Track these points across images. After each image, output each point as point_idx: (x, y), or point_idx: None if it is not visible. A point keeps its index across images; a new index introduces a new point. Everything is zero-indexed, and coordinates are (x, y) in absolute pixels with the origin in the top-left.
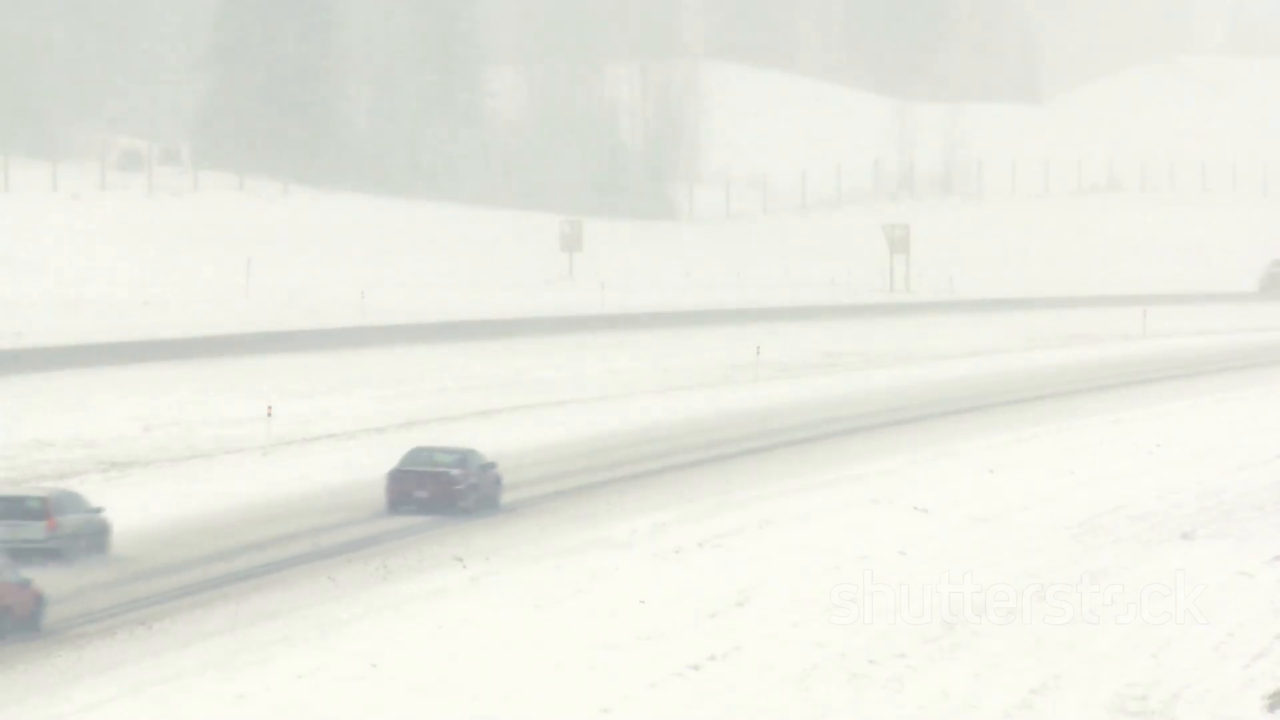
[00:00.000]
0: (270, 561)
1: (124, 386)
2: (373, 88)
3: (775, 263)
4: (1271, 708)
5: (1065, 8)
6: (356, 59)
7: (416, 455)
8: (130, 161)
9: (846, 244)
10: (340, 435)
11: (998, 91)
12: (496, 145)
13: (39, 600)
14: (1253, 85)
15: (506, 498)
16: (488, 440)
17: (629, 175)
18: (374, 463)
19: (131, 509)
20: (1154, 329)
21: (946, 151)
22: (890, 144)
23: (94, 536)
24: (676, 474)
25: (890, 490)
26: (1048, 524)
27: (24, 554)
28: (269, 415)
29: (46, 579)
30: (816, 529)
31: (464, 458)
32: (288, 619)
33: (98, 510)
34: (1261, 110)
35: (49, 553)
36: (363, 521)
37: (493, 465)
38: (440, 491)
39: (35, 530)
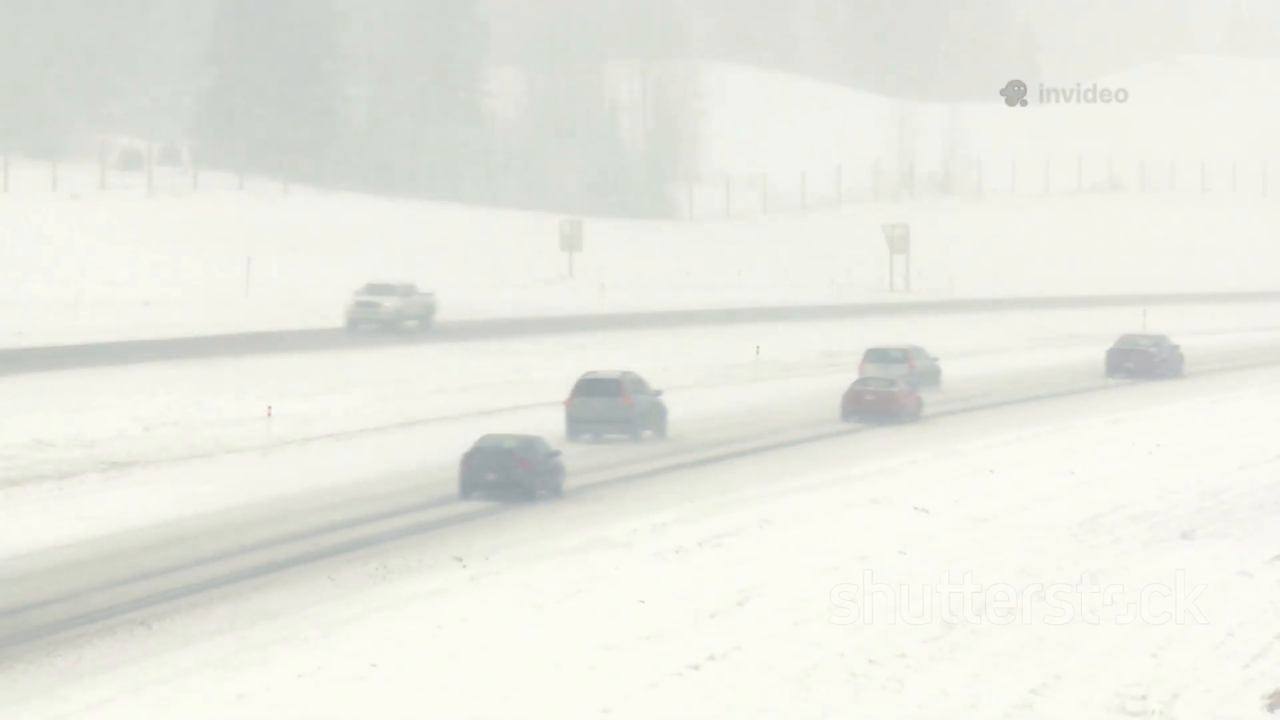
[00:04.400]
0: (270, 561)
1: (124, 386)
2: (373, 88)
3: (775, 263)
4: (1271, 708)
5: (1065, 7)
6: (356, 59)
7: (1127, 338)
8: (130, 161)
9: (846, 244)
10: (340, 435)
11: (998, 91)
12: (496, 145)
13: (920, 403)
14: (1253, 85)
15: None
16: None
17: (629, 175)
18: (373, 461)
19: (132, 509)
20: (1154, 329)
21: (946, 151)
22: (890, 144)
23: (932, 375)
24: (677, 473)
25: (890, 490)
26: (1048, 524)
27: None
28: (269, 415)
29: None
30: (816, 529)
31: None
32: (288, 619)
33: (935, 359)
34: (1261, 110)
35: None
36: (365, 522)
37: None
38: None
39: (900, 370)
